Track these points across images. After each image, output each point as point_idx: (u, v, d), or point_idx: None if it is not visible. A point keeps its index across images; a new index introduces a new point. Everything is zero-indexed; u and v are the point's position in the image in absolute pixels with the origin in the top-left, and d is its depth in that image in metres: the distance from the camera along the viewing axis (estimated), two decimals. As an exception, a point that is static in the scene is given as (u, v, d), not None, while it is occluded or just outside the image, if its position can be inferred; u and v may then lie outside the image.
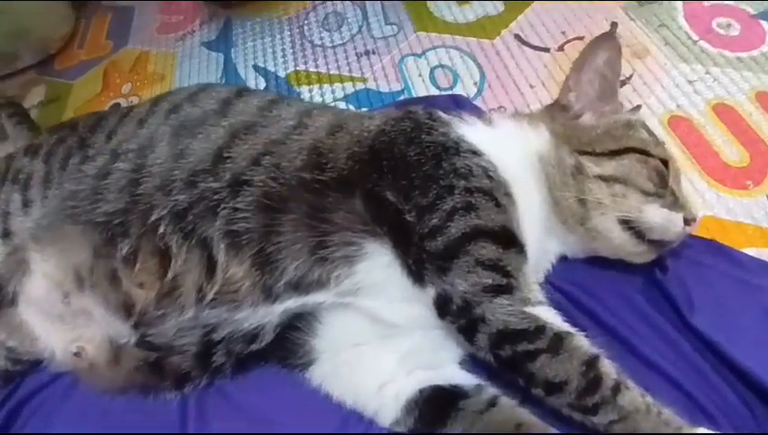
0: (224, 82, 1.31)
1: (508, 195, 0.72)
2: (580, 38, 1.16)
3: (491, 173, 0.72)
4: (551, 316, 0.66)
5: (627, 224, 0.72)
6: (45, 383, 0.87)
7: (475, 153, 0.73)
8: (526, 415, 0.68)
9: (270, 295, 0.71)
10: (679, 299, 0.77)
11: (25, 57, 1.53)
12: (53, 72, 1.52)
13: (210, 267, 0.72)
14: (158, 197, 0.74)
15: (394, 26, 1.31)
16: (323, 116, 0.81)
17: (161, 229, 0.72)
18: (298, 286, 0.71)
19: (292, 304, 0.72)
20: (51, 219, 0.81)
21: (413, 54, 1.23)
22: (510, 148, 0.77)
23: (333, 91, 1.21)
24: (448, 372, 0.74)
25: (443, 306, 0.67)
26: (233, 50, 1.39)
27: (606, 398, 0.61)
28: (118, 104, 1.33)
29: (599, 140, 0.76)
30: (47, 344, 0.83)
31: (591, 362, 0.63)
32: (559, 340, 0.63)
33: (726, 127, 0.96)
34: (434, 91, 1.14)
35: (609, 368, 0.63)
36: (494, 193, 0.70)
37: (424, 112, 0.79)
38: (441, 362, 0.74)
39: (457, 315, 0.66)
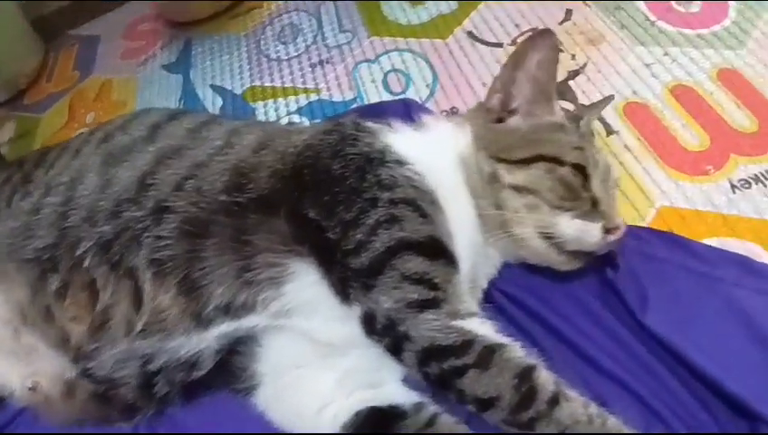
0: (182, 104, 1.30)
1: (434, 203, 0.68)
2: (534, 29, 1.12)
3: (416, 182, 0.69)
4: (482, 328, 0.63)
5: (545, 235, 0.69)
6: (10, 419, 0.87)
7: (401, 162, 0.70)
8: (464, 432, 0.64)
9: (201, 322, 0.69)
10: (631, 298, 0.72)
11: (-2, 94, 1.56)
12: (23, 107, 1.53)
13: (138, 298, 0.70)
14: (85, 229, 0.73)
15: (348, 33, 1.29)
16: (252, 134, 0.79)
17: (87, 262, 0.71)
18: (228, 311, 0.69)
19: (225, 328, 0.70)
20: (-3, 258, 0.81)
21: (366, 61, 1.20)
22: (438, 153, 0.74)
23: (287, 105, 1.19)
24: (389, 390, 0.71)
25: (368, 325, 0.64)
26: (191, 71, 1.38)
27: (542, 412, 0.57)
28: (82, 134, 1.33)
29: (513, 147, 0.72)
30: (5, 381, 0.82)
31: (525, 375, 0.59)
32: (489, 353, 0.60)
33: (685, 110, 0.91)
34: (387, 97, 1.11)
35: (545, 379, 0.59)
36: (419, 203, 0.67)
37: (351, 123, 0.76)
38: (382, 380, 0.71)
39: (382, 334, 0.63)
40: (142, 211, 0.71)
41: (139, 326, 0.70)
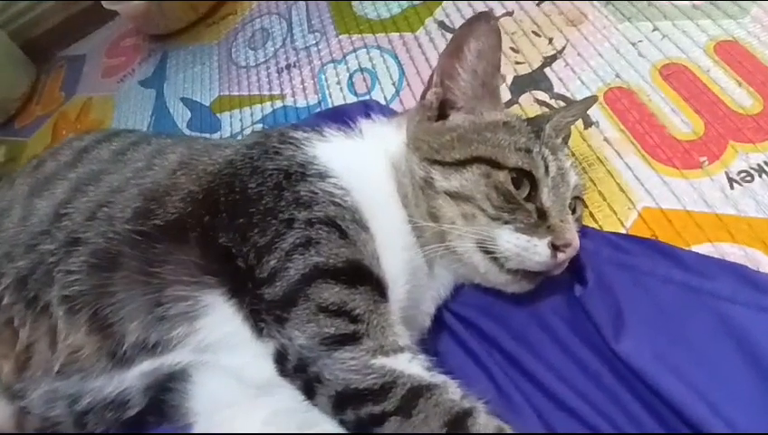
0: (154, 119, 1.26)
1: (358, 222, 0.60)
2: (510, 13, 1.01)
3: (337, 198, 0.60)
4: (410, 366, 0.54)
5: (485, 250, 0.59)
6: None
7: (323, 176, 0.62)
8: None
9: (120, 361, 0.64)
10: (603, 320, 0.62)
11: (-12, 121, 1.57)
12: (14, 131, 1.53)
13: (53, 336, 0.65)
14: (4, 264, 0.69)
15: (317, 34, 1.21)
16: (175, 153, 0.73)
17: (6, 299, 0.67)
18: (145, 349, 0.63)
19: (148, 366, 0.64)
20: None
21: (333, 61, 1.12)
22: (368, 161, 0.66)
23: (252, 114, 1.12)
24: (324, 431, 0.63)
25: (280, 364, 0.56)
26: (165, 84, 1.34)
27: (478, 466, 0.48)
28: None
29: (449, 148, 0.62)
30: None
31: (457, 422, 0.50)
32: (414, 397, 0.51)
33: (676, 92, 0.79)
34: (351, 99, 1.02)
35: (483, 425, 0.50)
36: (339, 222, 0.59)
37: (276, 135, 0.69)
38: (315, 421, 0.63)
39: (293, 375, 0.55)
40: (55, 244, 0.66)
41: (56, 366, 0.65)
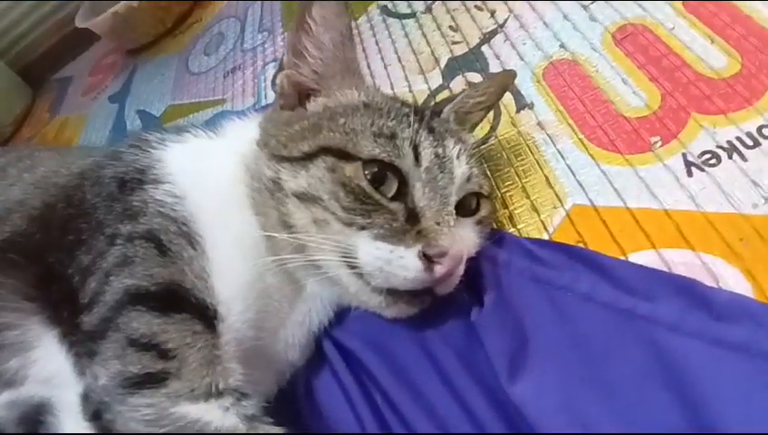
0: (111, 134, 1.22)
1: (186, 235, 0.49)
2: (456, -11, 0.88)
3: (166, 207, 0.50)
4: (226, 416, 0.43)
5: (349, 264, 0.47)
6: None
7: (157, 182, 0.52)
8: None
9: None
10: (498, 352, 0.47)
11: (-14, 146, 1.61)
12: (4, 155, 1.56)
13: None
14: None
15: (265, 33, 1.12)
16: (45, 166, 0.66)
17: None
18: None
19: (6, 398, 0.56)
20: None
21: (275, 60, 1.03)
22: (218, 164, 0.55)
23: (194, 121, 1.05)
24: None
25: (83, 406, 0.47)
26: (128, 98, 1.30)
27: None
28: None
29: (297, 138, 0.50)
30: None
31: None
32: None
33: (631, 58, 0.62)
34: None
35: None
36: (161, 236, 0.48)
37: (132, 136, 0.60)
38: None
39: (91, 421, 0.45)
40: None
41: None
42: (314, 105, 0.53)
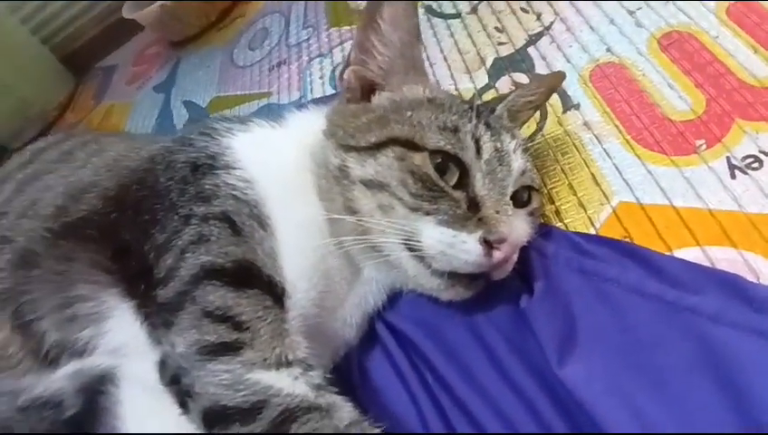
0: (158, 122, 1.27)
1: (257, 217, 0.53)
2: (501, -9, 0.91)
3: (237, 191, 0.54)
4: (296, 384, 0.46)
5: (409, 247, 0.50)
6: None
7: (230, 167, 0.56)
8: None
9: (45, 360, 0.61)
10: (548, 337, 0.51)
11: (31, 129, 1.67)
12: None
13: None
14: None
15: (310, 29, 1.17)
16: (114, 150, 0.70)
17: None
18: (65, 350, 0.60)
19: (72, 368, 0.61)
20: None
21: (320, 55, 1.07)
22: (284, 152, 0.59)
23: (240, 113, 1.09)
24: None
25: (161, 372, 0.51)
26: (173, 89, 1.35)
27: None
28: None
29: (364, 130, 0.54)
30: None
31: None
32: (286, 421, 0.44)
33: (677, 64, 0.65)
34: (331, 92, 0.96)
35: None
36: (234, 217, 0.53)
37: (200, 125, 0.64)
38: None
39: (169, 385, 0.50)
40: None
41: None
42: (379, 99, 0.57)
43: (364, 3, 1.10)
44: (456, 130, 0.52)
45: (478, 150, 0.51)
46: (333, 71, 1.01)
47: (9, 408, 0.66)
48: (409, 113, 0.53)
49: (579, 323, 0.51)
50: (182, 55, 1.47)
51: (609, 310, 0.51)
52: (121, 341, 0.57)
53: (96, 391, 0.63)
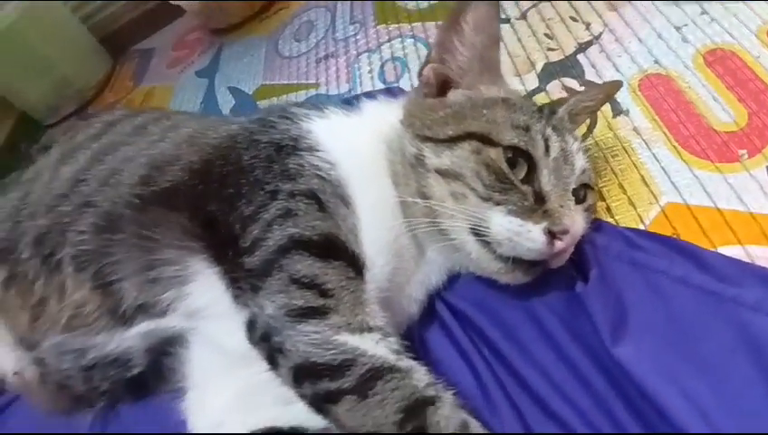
0: (203, 106, 1.32)
1: (340, 196, 0.58)
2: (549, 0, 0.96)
3: (322, 172, 0.59)
4: (376, 347, 0.52)
5: (476, 232, 0.55)
6: (6, 404, 0.93)
7: (313, 150, 0.61)
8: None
9: (120, 319, 0.66)
10: (603, 320, 0.56)
11: (68, 106, 1.72)
12: (87, 116, 1.67)
13: (62, 292, 0.70)
14: (28, 223, 0.74)
15: (357, 25, 1.22)
16: (189, 127, 0.75)
17: (24, 254, 0.72)
18: (142, 310, 0.65)
19: (145, 328, 0.66)
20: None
21: (368, 51, 1.12)
22: (361, 138, 0.64)
23: (288, 101, 1.15)
24: (298, 409, 0.61)
25: (249, 331, 0.56)
26: (217, 75, 1.40)
27: (431, 460, 0.45)
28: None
29: (442, 124, 0.59)
30: (1, 367, 0.88)
31: (415, 410, 0.47)
32: (373, 378, 0.49)
33: (720, 79, 0.71)
34: (380, 87, 1.02)
35: (444, 418, 0.47)
36: (320, 195, 0.58)
37: (277, 109, 0.70)
38: (291, 397, 0.62)
39: (259, 343, 0.55)
40: (71, 206, 0.70)
41: (63, 320, 0.69)
42: (454, 95, 0.62)
43: (411, 3, 1.16)
44: (527, 129, 0.57)
45: (547, 149, 0.57)
46: (382, 66, 1.06)
47: (73, 366, 0.71)
48: (485, 111, 0.59)
49: (629, 311, 0.57)
50: (224, 42, 1.52)
51: (657, 299, 0.57)
52: (201, 303, 0.62)
53: (163, 351, 0.69)
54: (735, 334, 0.52)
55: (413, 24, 1.11)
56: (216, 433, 0.64)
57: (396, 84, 1.00)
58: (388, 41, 1.11)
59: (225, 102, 1.29)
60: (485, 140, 0.57)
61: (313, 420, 0.60)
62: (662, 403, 0.49)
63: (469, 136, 0.57)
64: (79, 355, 0.70)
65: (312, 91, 1.12)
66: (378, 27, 1.17)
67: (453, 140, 0.58)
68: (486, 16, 0.59)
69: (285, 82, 1.21)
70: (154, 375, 0.71)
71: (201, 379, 0.68)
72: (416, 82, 0.97)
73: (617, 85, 0.69)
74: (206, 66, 1.47)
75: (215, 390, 0.65)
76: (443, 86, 0.64)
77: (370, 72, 1.07)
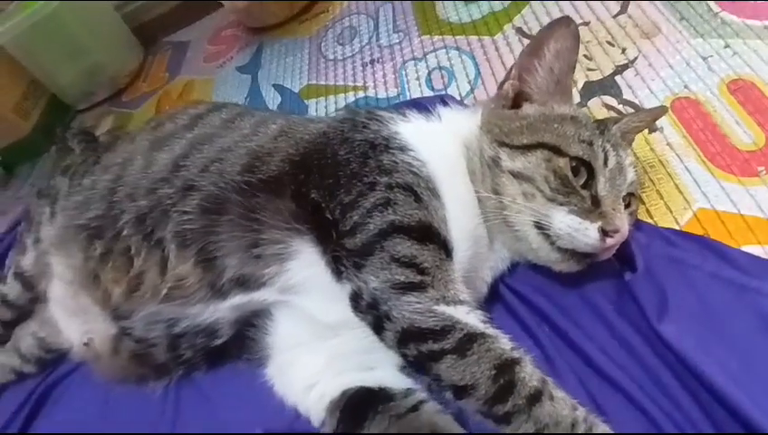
0: (248, 101, 1.40)
1: (431, 190, 0.68)
2: (586, 23, 1.07)
3: (415, 168, 0.69)
4: (468, 317, 0.62)
5: (539, 226, 0.66)
6: (68, 372, 1.00)
7: (403, 149, 0.71)
8: (445, 422, 0.64)
9: (217, 292, 0.75)
10: (647, 303, 0.67)
11: (100, 93, 1.78)
12: (121, 103, 1.74)
13: (164, 266, 0.77)
14: (127, 203, 0.82)
15: (400, 33, 1.31)
16: (276, 124, 0.84)
17: (126, 231, 0.80)
18: (239, 283, 0.73)
19: (239, 300, 0.75)
20: (62, 227, 0.93)
21: (414, 59, 1.22)
22: (443, 141, 0.74)
23: (336, 102, 1.24)
24: (381, 374, 0.71)
25: (355, 302, 0.65)
26: (259, 71, 1.48)
27: (519, 407, 0.55)
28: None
29: (518, 133, 0.70)
30: (68, 336, 0.94)
31: (505, 367, 0.57)
32: (469, 341, 0.59)
33: (742, 106, 0.83)
34: (428, 93, 1.12)
35: (528, 375, 0.57)
36: (415, 188, 0.68)
37: (364, 112, 0.79)
38: (375, 363, 0.72)
39: (366, 311, 0.64)
40: (173, 189, 0.79)
41: (163, 291, 0.77)
42: (528, 108, 0.73)
43: (453, 16, 1.26)
44: (591, 144, 0.68)
45: (605, 161, 0.68)
46: (429, 74, 1.16)
47: (162, 334, 0.80)
48: (556, 125, 0.69)
49: (670, 298, 0.67)
50: (263, 41, 1.59)
51: (692, 290, 0.68)
52: (299, 279, 0.71)
53: (248, 323, 0.78)
54: (759, 320, 0.64)
55: (456, 37, 1.21)
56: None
57: (444, 91, 1.10)
58: (433, 51, 1.22)
59: (270, 99, 1.37)
60: (556, 150, 0.67)
61: (395, 383, 0.71)
62: (701, 370, 0.60)
63: (541, 145, 0.68)
64: (171, 324, 0.79)
65: (360, 94, 1.22)
66: (422, 37, 1.27)
67: (527, 148, 0.69)
68: (567, 48, 0.70)
69: (332, 83, 1.30)
70: (236, 345, 0.79)
71: (290, 348, 0.76)
72: (463, 92, 1.08)
73: (663, 110, 0.80)
74: (247, 63, 1.55)
75: (307, 356, 0.74)
76: (516, 98, 0.75)
77: (417, 78, 1.17)
